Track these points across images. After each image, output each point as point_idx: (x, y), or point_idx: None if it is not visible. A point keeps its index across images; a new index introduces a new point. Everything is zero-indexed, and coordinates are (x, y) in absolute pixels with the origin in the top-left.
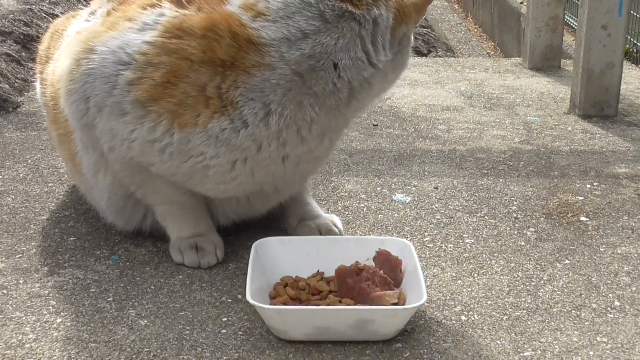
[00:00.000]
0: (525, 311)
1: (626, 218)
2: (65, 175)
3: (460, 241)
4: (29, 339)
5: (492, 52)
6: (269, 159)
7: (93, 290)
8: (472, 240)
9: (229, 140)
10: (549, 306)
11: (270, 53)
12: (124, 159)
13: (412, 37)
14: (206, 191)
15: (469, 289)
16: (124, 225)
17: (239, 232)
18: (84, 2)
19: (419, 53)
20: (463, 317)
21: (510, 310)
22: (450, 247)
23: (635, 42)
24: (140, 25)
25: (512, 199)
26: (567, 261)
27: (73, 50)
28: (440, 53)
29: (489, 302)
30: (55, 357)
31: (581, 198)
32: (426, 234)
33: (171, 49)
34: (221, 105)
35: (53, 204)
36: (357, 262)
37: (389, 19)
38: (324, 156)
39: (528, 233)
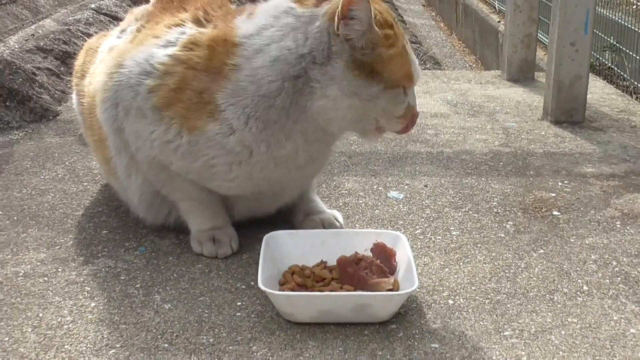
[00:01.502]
0: (505, 295)
1: (593, 212)
2: (99, 176)
3: (448, 233)
4: (67, 320)
5: (474, 65)
6: (262, 162)
7: (123, 277)
8: (458, 233)
9: (223, 145)
10: (526, 291)
11: (239, 52)
12: (148, 159)
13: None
14: (215, 187)
15: (456, 276)
16: (153, 220)
17: (252, 226)
18: (115, 23)
19: None
20: (450, 301)
21: (491, 294)
22: (438, 238)
23: (598, 57)
24: (165, 42)
25: (493, 195)
26: (541, 251)
27: (106, 66)
28: (428, 66)
29: (473, 288)
30: (90, 337)
31: (553, 195)
32: (417, 227)
33: (182, 59)
34: (212, 109)
35: (88, 201)
36: (356, 252)
37: (325, 17)
38: (307, 165)
39: (507, 226)
